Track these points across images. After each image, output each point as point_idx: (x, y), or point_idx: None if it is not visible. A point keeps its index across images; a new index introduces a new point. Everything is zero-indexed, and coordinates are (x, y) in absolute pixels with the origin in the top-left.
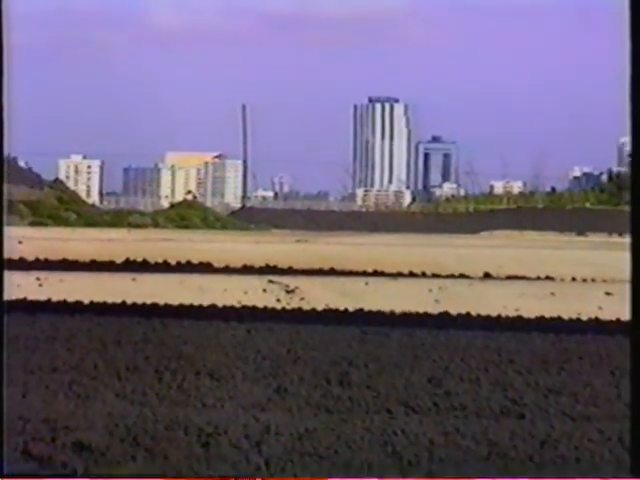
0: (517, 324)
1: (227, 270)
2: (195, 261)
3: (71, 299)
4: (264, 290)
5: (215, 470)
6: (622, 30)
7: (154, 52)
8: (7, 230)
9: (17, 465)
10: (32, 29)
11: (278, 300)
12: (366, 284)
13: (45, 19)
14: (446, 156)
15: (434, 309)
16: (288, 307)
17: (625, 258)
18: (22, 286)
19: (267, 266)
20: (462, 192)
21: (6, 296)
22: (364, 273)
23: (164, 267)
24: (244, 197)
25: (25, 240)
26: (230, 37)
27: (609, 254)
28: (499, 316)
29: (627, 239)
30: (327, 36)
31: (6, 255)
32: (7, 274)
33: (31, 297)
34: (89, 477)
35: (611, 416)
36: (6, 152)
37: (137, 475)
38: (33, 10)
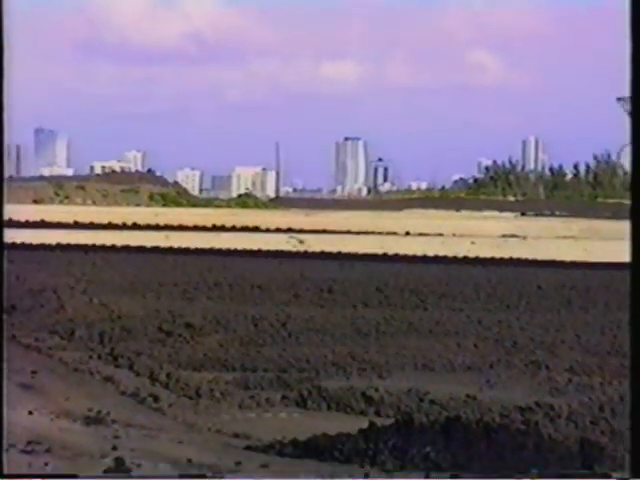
0: (424, 260)
1: (267, 231)
2: (250, 226)
3: (184, 246)
4: (287, 242)
5: (260, 337)
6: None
7: (228, 116)
8: (151, 209)
9: (146, 343)
10: (165, 103)
11: (294, 247)
12: (342, 238)
13: (168, 99)
14: (386, 169)
15: (379, 251)
16: (300, 250)
17: (480, 224)
18: (155, 238)
19: (289, 228)
20: (394, 188)
21: (150, 243)
22: (341, 232)
23: (233, 229)
24: (277, 191)
25: (159, 214)
26: (268, 105)
27: (473, 222)
28: (414, 255)
29: (483, 213)
30: (325, 105)
31: (148, 222)
32: (147, 233)
33: (162, 245)
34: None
35: (475, 309)
36: (151, 167)
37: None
38: (160, 93)
